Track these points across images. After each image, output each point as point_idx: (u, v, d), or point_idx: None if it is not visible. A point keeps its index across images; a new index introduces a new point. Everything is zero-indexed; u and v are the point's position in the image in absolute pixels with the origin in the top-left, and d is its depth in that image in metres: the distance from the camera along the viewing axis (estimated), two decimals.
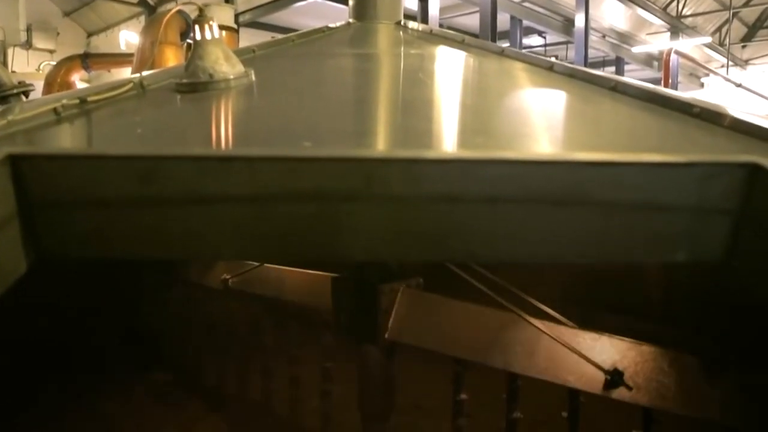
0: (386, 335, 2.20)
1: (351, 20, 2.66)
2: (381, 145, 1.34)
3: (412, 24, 2.82)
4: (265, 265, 2.77)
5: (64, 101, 1.52)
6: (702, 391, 1.74)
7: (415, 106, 1.71)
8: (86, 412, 2.99)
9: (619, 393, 1.78)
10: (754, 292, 1.18)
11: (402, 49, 2.49)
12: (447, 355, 2.27)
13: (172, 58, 8.44)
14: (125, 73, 10.49)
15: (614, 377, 1.78)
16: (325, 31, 2.58)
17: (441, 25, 11.86)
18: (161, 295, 3.27)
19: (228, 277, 3.00)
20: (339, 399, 3.05)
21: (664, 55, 14.24)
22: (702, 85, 20.35)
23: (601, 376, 1.80)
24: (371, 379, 2.30)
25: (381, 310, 2.18)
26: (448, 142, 1.39)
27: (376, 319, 2.19)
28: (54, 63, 12.84)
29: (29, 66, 14.86)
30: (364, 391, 2.33)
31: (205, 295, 3.16)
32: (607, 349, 1.85)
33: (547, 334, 1.95)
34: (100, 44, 17.31)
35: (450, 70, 2.29)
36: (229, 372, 3.26)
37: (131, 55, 10.01)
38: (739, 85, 16.22)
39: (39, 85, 5.22)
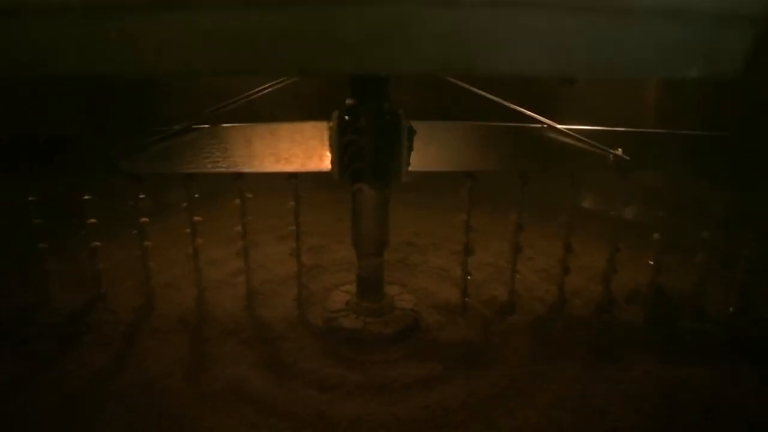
0: (408, 169, 2.15)
1: None
2: None
3: None
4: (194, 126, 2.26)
5: None
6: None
7: None
8: None
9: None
10: None
11: None
12: (461, 172, 2.32)
13: None
14: None
15: (617, 157, 2.29)
16: None
17: None
18: None
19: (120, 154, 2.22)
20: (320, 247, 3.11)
21: None
22: None
23: (606, 157, 2.29)
24: (367, 216, 2.30)
25: (404, 145, 2.13)
26: None
27: (398, 155, 2.13)
28: None
29: None
30: (359, 228, 2.33)
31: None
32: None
33: (564, 132, 2.29)
34: None
35: None
36: None
37: None
38: None
39: None
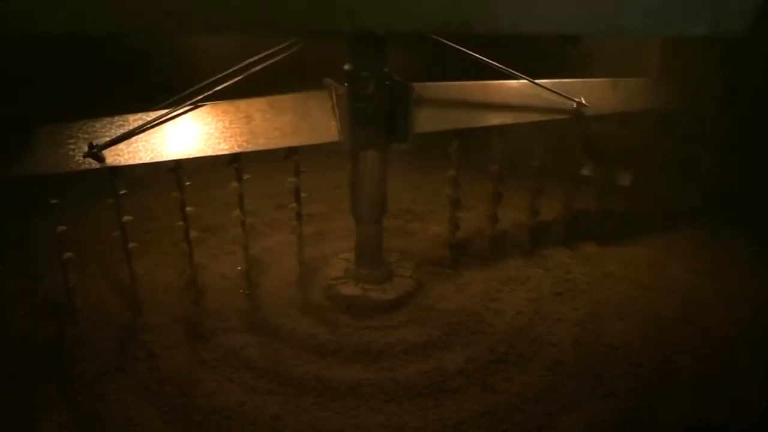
0: (414, 131, 2.14)
1: None
2: None
3: None
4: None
5: None
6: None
7: None
8: None
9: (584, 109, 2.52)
10: None
11: None
12: (453, 131, 2.35)
13: None
14: None
15: (580, 105, 2.50)
16: None
17: None
18: None
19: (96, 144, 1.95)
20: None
21: None
22: None
23: (570, 105, 2.51)
24: (368, 183, 2.27)
25: (413, 110, 2.11)
26: None
27: (407, 121, 2.11)
28: None
29: None
30: (358, 196, 2.31)
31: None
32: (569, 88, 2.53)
33: (542, 85, 2.48)
34: None
35: None
36: None
37: None
38: None
39: None
